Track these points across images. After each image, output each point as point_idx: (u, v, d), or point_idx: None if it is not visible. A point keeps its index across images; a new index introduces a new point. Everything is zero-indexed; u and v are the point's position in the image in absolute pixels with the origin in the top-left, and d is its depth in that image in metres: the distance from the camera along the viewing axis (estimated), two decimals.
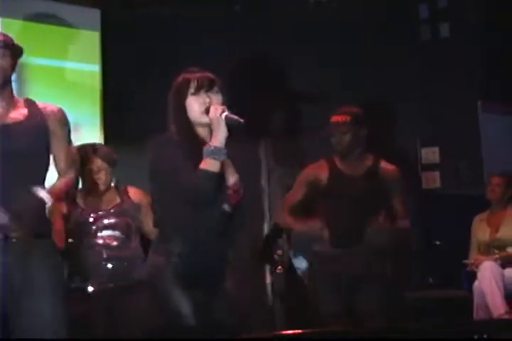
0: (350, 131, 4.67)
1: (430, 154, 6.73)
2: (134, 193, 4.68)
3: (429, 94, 6.61)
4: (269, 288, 6.62)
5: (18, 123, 3.33)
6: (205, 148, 3.21)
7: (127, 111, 5.96)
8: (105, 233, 4.54)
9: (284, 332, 3.04)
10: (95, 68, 5.98)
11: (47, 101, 5.60)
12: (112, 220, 4.57)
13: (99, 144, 5.02)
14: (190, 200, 3.24)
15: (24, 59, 5.63)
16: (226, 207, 3.29)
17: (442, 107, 6.56)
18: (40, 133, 3.36)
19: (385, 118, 6.49)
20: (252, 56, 6.43)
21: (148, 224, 4.60)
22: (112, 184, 4.70)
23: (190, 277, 3.27)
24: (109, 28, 6.02)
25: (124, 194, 4.67)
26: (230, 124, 3.23)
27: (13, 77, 3.48)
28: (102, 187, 4.61)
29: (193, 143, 3.29)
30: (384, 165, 4.78)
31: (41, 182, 3.31)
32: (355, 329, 3.11)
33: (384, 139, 6.53)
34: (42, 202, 3.19)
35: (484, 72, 6.54)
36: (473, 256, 5.76)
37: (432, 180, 6.70)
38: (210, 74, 3.41)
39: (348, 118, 4.69)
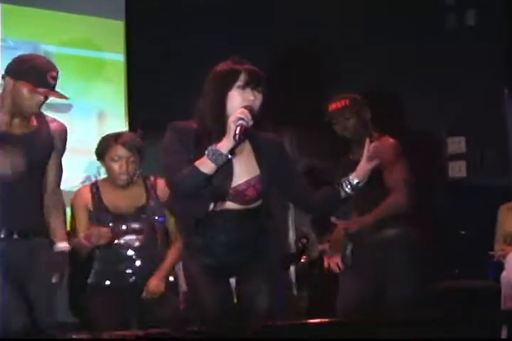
0: (353, 116, 4.59)
1: (456, 144, 6.69)
2: (162, 187, 4.09)
3: (455, 83, 6.56)
4: (293, 277, 6.62)
5: (29, 135, 3.52)
6: (210, 147, 3.11)
7: (152, 100, 5.96)
8: (127, 237, 4.14)
9: (307, 321, 3.03)
10: (120, 57, 5.98)
11: (72, 90, 5.66)
12: (136, 225, 4.14)
13: (124, 132, 4.57)
14: (171, 190, 3.27)
15: (49, 48, 5.69)
16: (231, 204, 3.24)
17: (468, 96, 6.51)
18: (48, 146, 3.58)
19: (410, 107, 6.46)
20: (278, 47, 6.40)
21: (172, 224, 4.20)
22: (138, 176, 4.21)
23: (217, 267, 3.27)
24: (133, 17, 6.02)
25: (151, 189, 4.18)
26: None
27: None
28: (123, 177, 4.10)
29: (216, 136, 3.18)
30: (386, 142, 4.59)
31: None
32: (382, 319, 3.10)
33: (410, 129, 6.51)
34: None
35: (510, 60, 6.48)
36: (500, 246, 5.72)
37: (458, 170, 6.66)
38: (258, 69, 3.25)
39: (348, 102, 4.60)
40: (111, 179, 4.16)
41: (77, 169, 5.68)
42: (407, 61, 6.51)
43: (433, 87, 6.51)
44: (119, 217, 4.10)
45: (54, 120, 3.63)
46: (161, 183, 4.11)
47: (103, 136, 4.24)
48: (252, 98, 3.19)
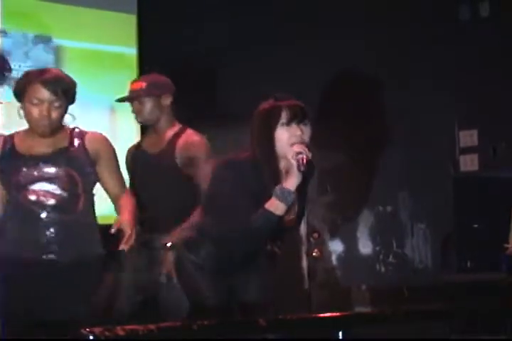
0: (148, 100, 4.24)
1: (468, 137, 6.66)
2: (92, 138, 3.49)
3: (467, 75, 6.53)
4: (305, 271, 6.62)
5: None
6: (276, 188, 3.10)
7: None
8: (38, 186, 3.36)
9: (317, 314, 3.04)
10: (132, 51, 5.98)
11: (84, 84, 5.66)
12: (49, 169, 3.38)
13: (52, 68, 3.66)
14: (243, 236, 3.18)
15: (62, 42, 5.70)
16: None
17: (480, 89, 6.48)
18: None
19: (422, 101, 6.44)
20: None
21: (110, 182, 3.53)
22: (65, 125, 3.52)
23: (223, 267, 3.28)
24: (146, 11, 6.02)
25: (76, 137, 3.48)
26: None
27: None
28: (43, 124, 3.38)
29: (270, 175, 3.17)
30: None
31: None
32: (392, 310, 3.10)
33: (421, 123, 6.49)
34: None
35: None
36: None
37: (471, 163, 6.64)
38: (300, 103, 3.23)
39: (144, 85, 4.26)
40: (30, 127, 3.47)
41: None
42: (419, 53, 6.48)
43: (445, 80, 6.49)
44: (30, 160, 3.39)
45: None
46: (91, 135, 3.54)
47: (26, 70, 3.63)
48: (299, 133, 3.18)
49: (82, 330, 2.32)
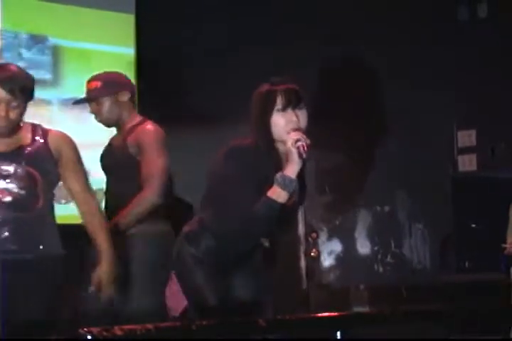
0: (106, 99, 4.11)
1: (466, 137, 6.67)
2: (55, 137, 3.37)
3: (465, 76, 6.54)
4: (303, 271, 6.62)
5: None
6: (277, 176, 3.09)
7: (162, 94, 5.96)
8: None
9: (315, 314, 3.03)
10: (130, 51, 5.97)
11: (81, 84, 5.63)
12: (7, 167, 3.25)
13: (8, 65, 3.41)
14: (245, 225, 3.15)
15: (60, 42, 5.69)
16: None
17: (479, 89, 6.49)
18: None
19: (421, 101, 6.44)
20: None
21: (74, 183, 3.41)
22: (26, 122, 3.38)
23: (218, 264, 3.27)
24: (144, 11, 6.02)
25: (39, 136, 3.35)
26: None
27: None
28: (1, 126, 3.24)
29: (270, 160, 3.16)
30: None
31: None
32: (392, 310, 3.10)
33: (420, 123, 6.50)
34: None
35: None
36: (511, 239, 5.71)
37: (469, 163, 6.64)
38: (295, 87, 3.21)
39: (99, 84, 4.14)
40: None
41: (89, 163, 5.67)
42: (418, 54, 6.49)
43: (444, 80, 6.50)
44: None
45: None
46: (53, 133, 3.40)
47: None
48: (294, 119, 3.16)
49: (80, 330, 2.31)
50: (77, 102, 4.35)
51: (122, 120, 4.15)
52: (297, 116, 3.17)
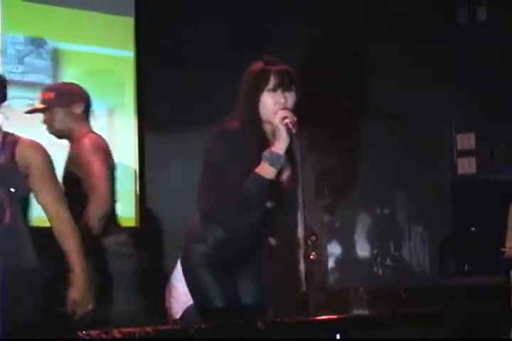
0: (59, 111, 4.08)
1: (466, 140, 6.67)
2: (24, 147, 3.14)
3: (464, 79, 6.54)
4: (302, 274, 6.62)
5: None
6: (265, 153, 3.12)
7: (162, 97, 5.96)
8: None
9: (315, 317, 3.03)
10: (129, 54, 5.98)
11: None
12: None
13: None
14: (237, 201, 3.16)
15: (59, 45, 5.69)
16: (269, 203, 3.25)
17: (478, 92, 6.49)
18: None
19: (419, 104, 6.44)
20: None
21: (45, 197, 3.21)
22: None
23: (225, 263, 3.26)
24: (143, 14, 6.02)
25: (6, 146, 3.12)
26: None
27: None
28: None
29: (257, 141, 3.19)
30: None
31: None
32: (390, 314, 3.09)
33: (419, 126, 6.50)
34: None
35: None
36: (510, 242, 5.71)
37: (468, 166, 6.64)
38: (289, 68, 3.23)
39: (53, 95, 4.10)
40: None
41: None
42: (418, 56, 6.49)
43: (443, 83, 6.50)
44: None
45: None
46: (26, 143, 3.19)
47: None
48: (283, 101, 3.19)
49: (79, 333, 2.31)
50: (30, 112, 4.26)
51: (73, 132, 4.09)
52: (285, 98, 3.20)
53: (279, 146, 3.12)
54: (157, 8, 6.02)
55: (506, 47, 6.41)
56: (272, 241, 3.39)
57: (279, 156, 3.11)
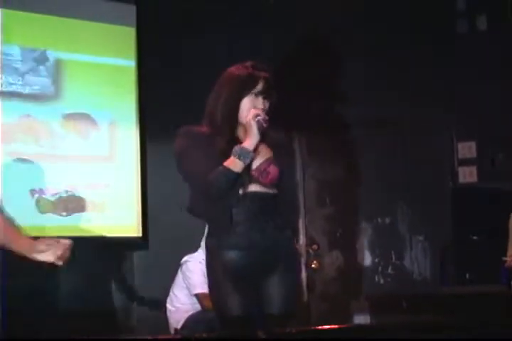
0: None
1: (467, 149, 6.68)
2: None
3: (465, 88, 6.56)
4: (304, 282, 6.62)
5: None
6: (235, 148, 3.21)
7: (163, 106, 5.97)
8: None
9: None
10: (131, 63, 5.99)
11: (83, 97, 5.63)
12: None
13: None
14: (204, 192, 3.26)
15: (60, 55, 5.71)
16: (256, 187, 3.30)
17: (479, 101, 6.50)
18: None
19: (420, 113, 6.45)
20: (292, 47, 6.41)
21: None
22: None
23: (242, 264, 3.28)
24: (144, 24, 6.03)
25: None
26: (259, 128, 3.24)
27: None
28: None
29: (230, 142, 3.26)
30: None
31: None
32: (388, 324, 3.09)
33: (420, 135, 6.51)
34: None
35: None
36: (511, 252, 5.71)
37: (469, 175, 6.65)
38: (271, 76, 3.31)
39: None
40: None
41: (90, 175, 5.69)
42: (419, 66, 6.50)
43: (444, 92, 6.51)
44: None
45: None
46: None
47: None
48: (261, 107, 3.28)
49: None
50: None
51: None
52: (264, 104, 3.29)
53: (250, 142, 3.22)
54: (158, 18, 6.03)
55: (506, 57, 6.42)
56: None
57: (248, 151, 3.20)
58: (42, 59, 5.64)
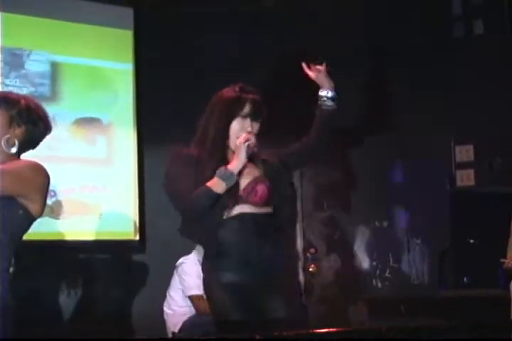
0: None
1: (464, 152, 6.68)
2: None
3: (463, 91, 6.56)
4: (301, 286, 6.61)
5: None
6: (219, 169, 3.24)
7: (161, 110, 5.97)
8: None
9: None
10: (128, 67, 5.99)
11: (80, 100, 5.63)
12: None
13: None
14: (186, 212, 3.31)
15: (57, 58, 5.70)
16: (247, 207, 3.31)
17: (476, 104, 6.50)
18: None
19: (417, 117, 6.46)
20: (283, 55, 6.41)
21: None
22: None
23: (238, 285, 3.28)
24: (142, 27, 6.03)
25: None
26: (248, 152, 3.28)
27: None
28: None
29: (219, 165, 3.29)
30: None
31: None
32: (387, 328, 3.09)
33: (418, 138, 6.51)
34: None
35: None
36: (510, 254, 5.70)
37: (467, 178, 6.65)
38: (260, 99, 3.36)
39: None
40: None
41: (88, 178, 5.69)
42: (416, 70, 6.51)
43: (441, 96, 6.51)
44: None
45: None
46: None
47: None
48: (249, 129, 3.31)
49: None
50: None
51: None
52: (252, 128, 3.32)
53: (235, 164, 3.25)
54: (156, 21, 6.03)
55: (504, 60, 6.43)
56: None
57: (231, 173, 3.23)
58: (39, 62, 5.64)
